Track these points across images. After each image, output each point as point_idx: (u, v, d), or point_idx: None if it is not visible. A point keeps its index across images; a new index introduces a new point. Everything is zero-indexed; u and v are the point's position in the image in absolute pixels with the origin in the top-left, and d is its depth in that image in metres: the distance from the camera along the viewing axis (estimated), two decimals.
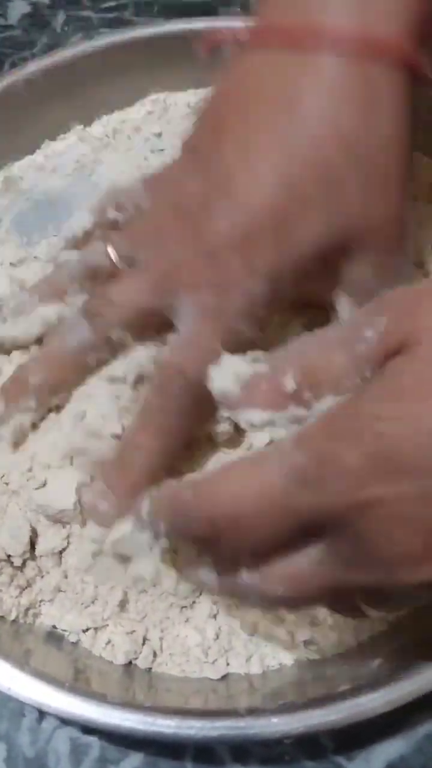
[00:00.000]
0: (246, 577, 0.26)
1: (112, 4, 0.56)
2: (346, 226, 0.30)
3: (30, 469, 0.36)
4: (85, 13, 0.55)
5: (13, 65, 0.52)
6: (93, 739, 0.33)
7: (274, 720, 0.29)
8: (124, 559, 0.32)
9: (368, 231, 0.30)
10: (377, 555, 0.23)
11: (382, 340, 0.24)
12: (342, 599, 0.27)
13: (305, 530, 0.24)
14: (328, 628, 0.34)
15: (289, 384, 0.25)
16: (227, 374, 0.28)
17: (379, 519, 0.22)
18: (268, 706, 0.30)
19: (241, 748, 0.33)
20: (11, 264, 0.42)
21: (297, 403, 0.25)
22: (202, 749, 0.33)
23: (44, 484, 0.35)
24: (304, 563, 0.25)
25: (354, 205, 0.30)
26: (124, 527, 0.30)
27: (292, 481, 0.23)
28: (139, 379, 0.34)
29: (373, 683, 0.30)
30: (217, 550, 0.27)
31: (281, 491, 0.23)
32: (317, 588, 0.25)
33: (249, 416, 0.27)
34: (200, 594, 0.34)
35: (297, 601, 0.27)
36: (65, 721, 0.33)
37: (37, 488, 0.35)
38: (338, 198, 0.30)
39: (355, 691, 0.30)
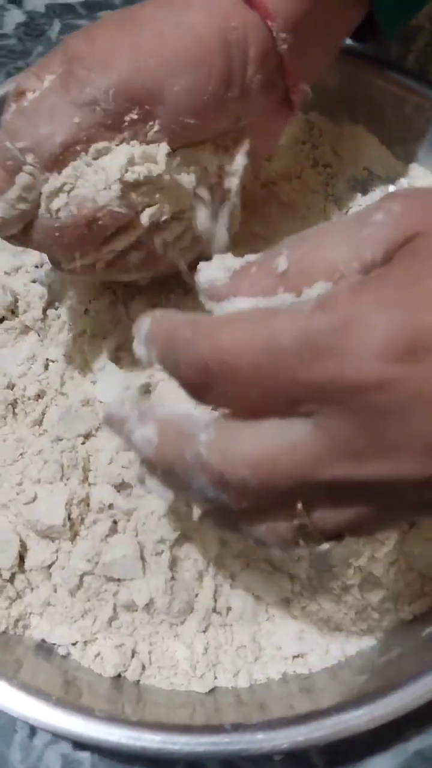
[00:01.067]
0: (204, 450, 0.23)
1: (108, 12, 0.56)
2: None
3: (20, 483, 0.36)
4: (81, 22, 0.55)
5: (9, 75, 0.52)
6: (85, 755, 0.33)
7: (260, 736, 0.29)
8: (116, 581, 0.33)
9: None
10: (386, 439, 0.21)
11: (397, 225, 0.22)
12: (308, 502, 0.23)
13: (295, 404, 0.22)
14: (315, 642, 0.34)
15: (281, 264, 0.23)
16: (217, 266, 0.25)
17: (399, 398, 0.20)
18: (254, 721, 0.31)
19: (231, 763, 0.33)
20: (5, 273, 0.42)
21: (286, 288, 0.23)
22: (194, 763, 0.33)
23: (34, 499, 0.35)
24: (278, 442, 0.22)
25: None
26: (117, 551, 0.30)
27: (304, 344, 0.21)
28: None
29: (360, 699, 0.30)
30: (200, 398, 0.24)
31: (290, 353, 0.21)
32: (284, 475, 0.22)
33: (234, 306, 0.24)
34: (191, 612, 0.34)
35: (258, 495, 0.23)
36: (57, 737, 0.33)
37: (26, 503, 0.35)
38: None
39: (342, 706, 0.30)
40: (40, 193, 0.31)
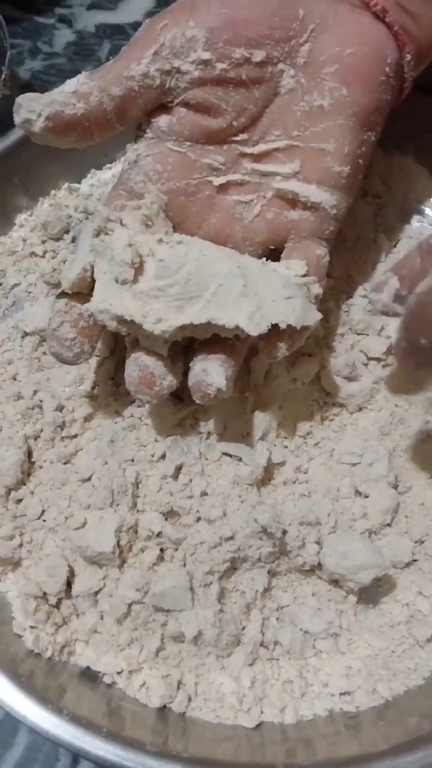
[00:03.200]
0: None
1: None
2: None
3: (68, 507, 0.36)
4: None
5: None
6: None
7: None
8: (164, 612, 0.32)
9: None
10: None
11: None
12: None
13: None
14: (362, 680, 0.34)
15: None
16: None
17: None
18: (302, 762, 0.30)
19: None
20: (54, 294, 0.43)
21: None
22: None
23: (83, 525, 0.35)
24: None
25: None
26: (167, 581, 0.30)
27: None
28: None
29: (411, 744, 0.30)
30: None
31: None
32: None
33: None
34: (239, 644, 0.34)
35: None
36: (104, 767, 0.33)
37: (75, 528, 0.35)
38: None
39: (393, 752, 0.29)
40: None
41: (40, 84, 0.54)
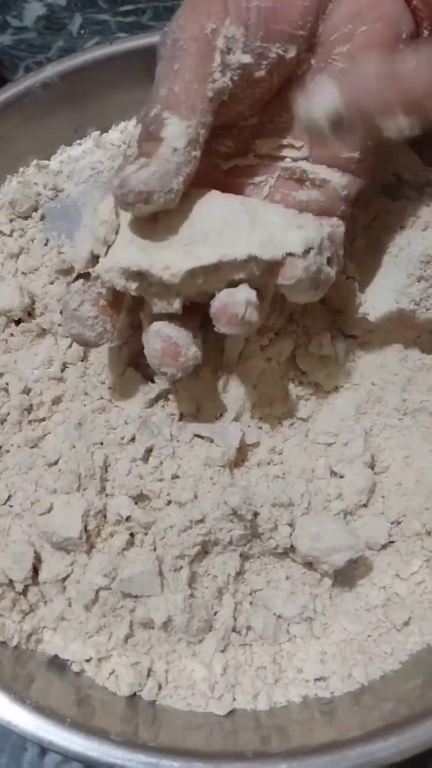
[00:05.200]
0: None
1: (130, 8, 0.54)
2: None
3: (35, 492, 0.35)
4: (103, 17, 0.54)
5: (28, 69, 0.51)
6: None
7: (282, 766, 0.28)
8: (133, 597, 0.32)
9: None
10: None
11: None
12: None
13: None
14: (337, 665, 0.33)
15: None
16: None
17: None
18: (275, 749, 0.29)
19: None
20: (23, 274, 0.41)
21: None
22: None
23: (50, 510, 0.34)
24: None
25: None
26: (135, 566, 0.29)
27: None
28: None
29: (388, 729, 0.29)
30: None
31: None
32: None
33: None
34: (210, 630, 0.33)
35: None
36: (68, 757, 0.32)
37: (42, 513, 0.34)
38: None
39: (367, 738, 0.29)
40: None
41: (9, 59, 0.52)
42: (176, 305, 0.32)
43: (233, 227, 0.31)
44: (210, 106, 0.31)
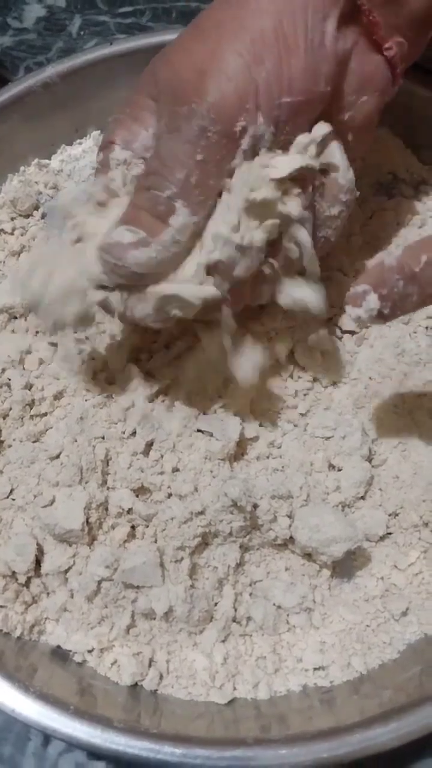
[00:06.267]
0: None
1: (129, 9, 0.55)
2: None
3: (37, 485, 0.35)
4: (102, 18, 0.54)
5: (28, 70, 0.52)
6: (100, 765, 0.32)
7: (282, 751, 0.29)
8: (134, 588, 0.32)
9: None
10: None
11: None
12: None
13: None
14: (336, 654, 0.34)
15: None
16: None
17: None
18: (275, 736, 0.30)
19: None
20: None
21: None
22: None
23: (52, 502, 0.34)
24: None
25: None
26: (137, 557, 0.29)
27: None
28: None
29: (384, 716, 0.29)
30: None
31: None
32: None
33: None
34: (211, 621, 0.33)
35: None
36: (72, 746, 0.32)
37: (44, 506, 0.34)
38: None
39: (366, 724, 0.29)
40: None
41: (10, 60, 0.53)
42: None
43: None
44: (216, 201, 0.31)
